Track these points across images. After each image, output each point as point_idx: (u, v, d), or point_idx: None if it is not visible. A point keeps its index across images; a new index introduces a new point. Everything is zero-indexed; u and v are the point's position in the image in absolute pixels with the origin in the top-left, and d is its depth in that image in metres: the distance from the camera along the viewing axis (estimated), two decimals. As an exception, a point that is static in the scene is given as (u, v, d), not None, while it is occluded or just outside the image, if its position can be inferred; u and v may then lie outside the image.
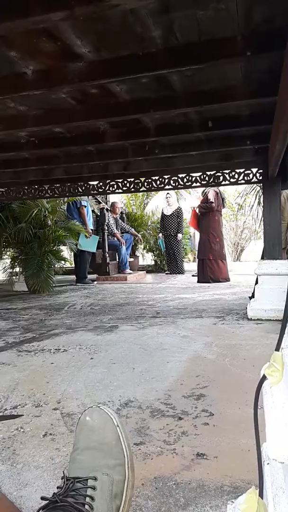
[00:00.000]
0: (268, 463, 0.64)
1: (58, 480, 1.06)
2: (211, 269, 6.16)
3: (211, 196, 6.12)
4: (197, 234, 7.68)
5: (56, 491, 0.73)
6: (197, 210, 6.44)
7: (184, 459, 1.14)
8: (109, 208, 7.76)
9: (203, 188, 6.22)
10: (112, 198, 9.43)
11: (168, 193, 7.92)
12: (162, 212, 8.15)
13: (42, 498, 0.72)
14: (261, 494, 0.66)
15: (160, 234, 8.21)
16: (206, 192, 6.24)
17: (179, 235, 7.91)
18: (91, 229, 6.77)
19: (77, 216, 6.45)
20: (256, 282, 3.33)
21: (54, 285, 5.51)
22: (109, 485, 0.75)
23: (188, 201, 10.63)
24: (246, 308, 3.30)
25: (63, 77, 1.88)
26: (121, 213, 8.26)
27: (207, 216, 6.22)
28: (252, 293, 3.43)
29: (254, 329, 2.81)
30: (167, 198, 8.06)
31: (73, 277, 6.91)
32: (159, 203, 9.91)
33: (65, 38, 1.65)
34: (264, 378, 0.65)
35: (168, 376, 1.88)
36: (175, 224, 7.90)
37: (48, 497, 0.72)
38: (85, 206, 6.55)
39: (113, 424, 0.81)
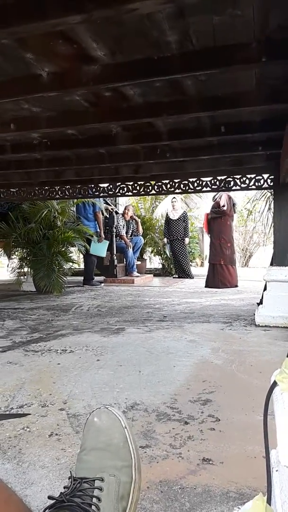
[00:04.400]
0: (277, 470, 0.64)
1: (64, 480, 1.06)
2: (221, 275, 6.12)
3: (223, 201, 6.09)
4: (206, 239, 7.66)
5: (63, 491, 0.73)
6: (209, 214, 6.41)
7: (190, 464, 1.14)
8: (118, 211, 7.79)
9: (215, 193, 6.20)
10: (121, 200, 9.46)
11: (174, 197, 7.91)
12: (168, 217, 8.13)
13: (49, 498, 0.72)
14: (269, 501, 0.66)
15: (165, 239, 8.18)
16: (218, 197, 6.21)
17: (186, 239, 7.90)
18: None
19: (92, 220, 6.47)
20: (265, 289, 3.32)
21: (65, 285, 5.52)
22: (116, 486, 0.74)
23: (199, 205, 10.61)
24: (254, 314, 3.28)
25: (77, 79, 1.90)
26: (131, 217, 8.28)
27: (218, 220, 6.18)
28: (260, 300, 3.42)
29: (261, 335, 2.80)
30: (172, 202, 8.05)
31: (81, 278, 6.93)
32: (168, 207, 9.92)
33: (81, 41, 1.66)
34: (274, 384, 0.65)
35: (174, 380, 1.87)
36: (182, 228, 7.89)
37: (55, 497, 0.72)
38: (101, 211, 6.56)
39: (121, 426, 0.81)
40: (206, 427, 1.38)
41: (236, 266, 6.35)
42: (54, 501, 0.71)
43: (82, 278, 6.83)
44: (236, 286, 6.21)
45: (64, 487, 0.75)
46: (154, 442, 1.27)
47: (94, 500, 0.71)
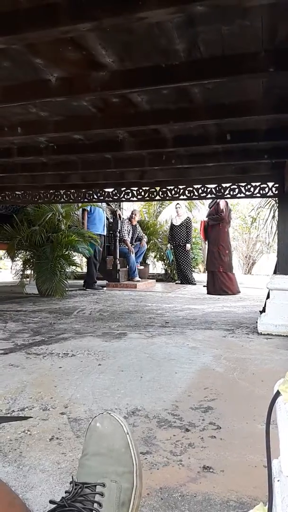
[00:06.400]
0: (278, 480, 0.64)
1: (64, 484, 1.06)
2: (222, 282, 6.12)
3: (222, 206, 6.09)
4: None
5: (64, 495, 0.73)
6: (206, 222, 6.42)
7: (191, 471, 1.14)
8: (121, 214, 7.81)
9: (210, 200, 6.22)
10: (125, 205, 9.48)
11: (177, 203, 7.93)
12: (171, 223, 8.17)
13: (51, 502, 0.72)
14: (269, 511, 0.66)
15: (169, 245, 8.21)
16: (215, 203, 6.21)
17: (188, 246, 7.91)
18: (102, 235, 6.78)
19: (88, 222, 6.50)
20: (268, 297, 3.31)
21: (66, 289, 5.52)
22: (117, 492, 0.75)
23: (202, 211, 10.64)
24: (256, 322, 3.27)
25: (86, 85, 1.92)
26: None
27: (216, 227, 6.17)
28: (263, 308, 3.41)
29: (263, 343, 2.79)
30: (176, 208, 8.07)
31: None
32: (172, 213, 9.95)
33: (91, 48, 1.68)
34: (278, 394, 0.65)
35: (176, 386, 1.87)
36: (184, 234, 7.90)
37: (57, 501, 0.72)
38: (87, 210, 6.52)
39: (123, 432, 0.81)
40: (207, 434, 1.38)
41: (234, 272, 6.35)
42: (56, 505, 0.72)
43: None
44: (239, 292, 6.20)
45: (66, 492, 0.75)
46: (155, 449, 1.27)
47: (95, 505, 0.72)
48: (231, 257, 6.27)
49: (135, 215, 7.90)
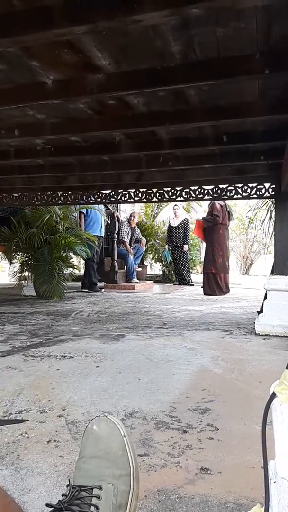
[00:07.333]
0: (274, 481, 0.64)
1: (61, 487, 1.06)
2: (216, 282, 6.16)
3: (215, 209, 6.11)
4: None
5: (61, 498, 0.73)
6: (202, 222, 6.44)
7: (188, 473, 1.14)
8: (119, 216, 7.81)
9: (208, 201, 6.25)
10: (122, 207, 9.48)
11: (175, 205, 7.94)
12: (169, 224, 8.18)
13: (48, 505, 0.72)
14: (266, 512, 0.66)
15: (167, 246, 8.23)
16: (210, 205, 6.24)
17: (185, 246, 7.91)
18: (101, 236, 6.78)
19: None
20: (265, 297, 3.32)
21: (64, 291, 5.51)
22: (114, 495, 0.75)
23: (199, 213, 10.65)
24: (254, 323, 3.28)
25: (82, 87, 1.92)
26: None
27: (212, 229, 6.21)
28: (261, 308, 3.42)
29: (261, 344, 2.80)
30: (174, 210, 8.08)
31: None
32: (170, 214, 9.95)
33: (86, 51, 1.68)
34: (273, 395, 0.66)
35: (173, 388, 1.87)
36: (182, 235, 7.91)
37: (53, 504, 0.72)
38: (84, 213, 6.52)
39: (120, 434, 0.81)
40: (204, 436, 1.38)
41: (228, 273, 6.37)
42: (52, 508, 0.72)
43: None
44: (227, 292, 6.25)
45: (62, 495, 0.75)
46: (153, 451, 1.27)
47: (92, 508, 0.72)
48: (226, 258, 6.29)
49: (134, 217, 7.90)
